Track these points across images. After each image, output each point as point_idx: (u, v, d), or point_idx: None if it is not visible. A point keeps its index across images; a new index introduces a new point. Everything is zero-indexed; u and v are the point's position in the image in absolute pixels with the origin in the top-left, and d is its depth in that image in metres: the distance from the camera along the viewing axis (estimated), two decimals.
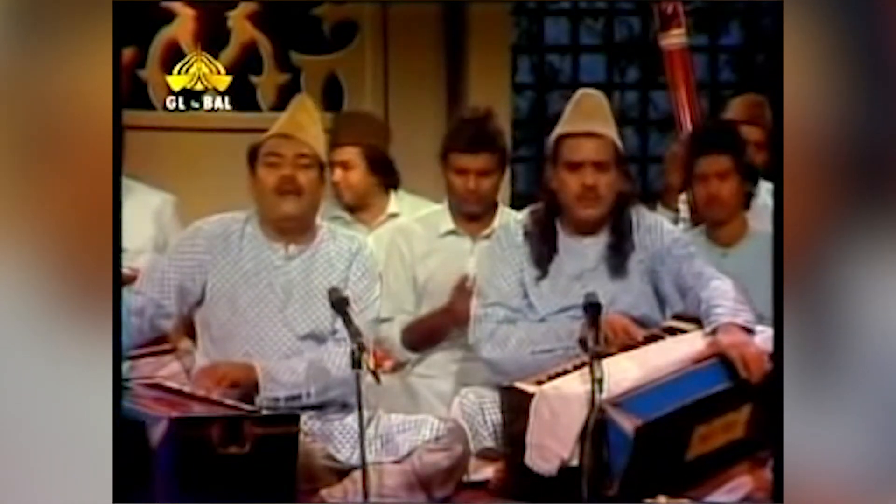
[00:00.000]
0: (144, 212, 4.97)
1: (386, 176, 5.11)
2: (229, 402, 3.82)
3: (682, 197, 5.13)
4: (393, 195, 5.15)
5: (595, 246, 4.27)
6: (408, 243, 4.73)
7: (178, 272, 4.14)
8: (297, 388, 4.02)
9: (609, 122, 4.28)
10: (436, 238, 4.72)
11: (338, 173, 5.04)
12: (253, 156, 4.19)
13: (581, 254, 4.26)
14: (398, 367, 4.70)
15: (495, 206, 4.76)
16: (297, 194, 4.12)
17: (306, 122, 4.22)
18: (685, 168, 4.87)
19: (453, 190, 4.67)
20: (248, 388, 3.97)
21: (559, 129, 4.28)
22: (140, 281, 4.16)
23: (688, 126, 5.41)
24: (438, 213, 4.77)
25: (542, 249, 4.26)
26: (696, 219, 4.98)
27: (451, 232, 4.73)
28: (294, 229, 4.17)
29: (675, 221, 5.01)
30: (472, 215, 4.70)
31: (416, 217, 4.85)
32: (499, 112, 6.23)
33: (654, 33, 5.78)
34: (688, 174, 4.82)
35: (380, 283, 4.32)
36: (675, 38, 5.49)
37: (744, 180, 4.75)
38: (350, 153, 5.03)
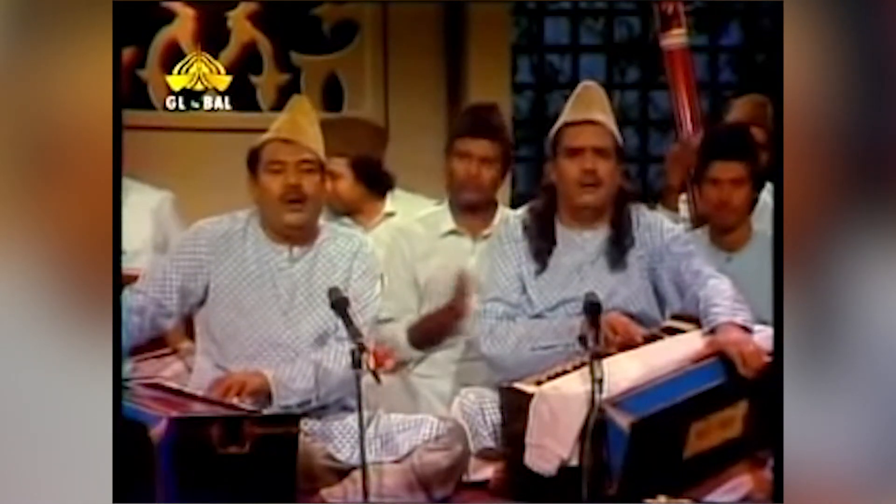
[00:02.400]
0: (142, 211, 4.96)
1: (376, 182, 5.07)
2: (229, 402, 3.82)
3: (683, 197, 5.13)
4: (389, 195, 5.14)
5: (594, 240, 4.28)
6: (409, 244, 4.73)
7: (180, 272, 4.13)
8: (309, 394, 4.02)
9: (608, 113, 4.32)
10: (437, 238, 4.73)
11: (327, 182, 5.02)
12: (253, 160, 4.16)
13: (580, 246, 4.28)
14: (399, 366, 4.69)
15: (495, 205, 4.76)
16: (302, 202, 4.10)
17: (305, 124, 4.20)
18: (694, 170, 4.86)
19: (455, 177, 4.67)
20: (260, 397, 3.97)
21: (560, 121, 4.32)
22: (141, 280, 4.16)
23: (688, 126, 5.41)
24: (439, 213, 4.77)
25: (541, 243, 4.28)
26: (696, 220, 4.98)
27: (452, 232, 4.73)
28: (298, 235, 4.17)
29: (676, 222, 5.01)
30: (472, 205, 4.69)
31: (416, 217, 4.85)
32: None
33: (655, 33, 5.78)
34: (697, 176, 4.81)
35: (380, 283, 4.32)
36: (675, 38, 5.48)
37: (754, 187, 4.75)
38: (337, 163, 4.98)
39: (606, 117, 4.30)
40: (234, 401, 3.85)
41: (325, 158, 4.21)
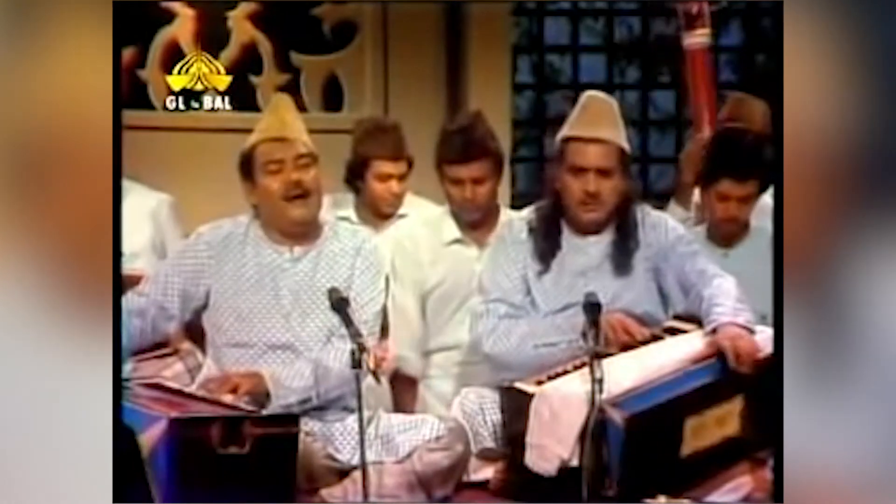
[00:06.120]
0: (141, 213, 4.96)
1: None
2: (229, 402, 3.82)
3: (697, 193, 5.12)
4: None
5: (599, 244, 4.27)
6: (414, 252, 4.71)
7: (181, 276, 4.14)
8: (307, 392, 4.01)
9: (617, 127, 4.25)
10: (441, 246, 4.71)
11: (394, 186, 5.04)
12: (246, 164, 4.16)
13: (585, 251, 4.26)
14: (413, 383, 4.69)
15: (497, 209, 4.74)
16: (305, 197, 4.11)
17: (292, 120, 4.20)
18: (702, 176, 4.83)
19: (451, 199, 4.66)
20: (258, 396, 3.96)
21: (565, 131, 4.26)
22: (144, 283, 4.16)
23: (706, 126, 5.41)
24: (444, 221, 4.73)
25: (546, 245, 4.25)
26: (700, 218, 4.97)
27: (457, 241, 4.71)
28: (303, 233, 4.17)
29: (687, 219, 5.01)
30: (474, 223, 4.69)
31: (421, 222, 4.82)
32: (499, 112, 6.27)
33: (677, 31, 5.78)
34: (705, 184, 4.77)
35: (384, 278, 4.31)
36: (698, 38, 5.50)
37: (760, 194, 4.74)
38: (405, 165, 5.06)
39: (613, 131, 4.23)
40: (229, 399, 3.85)
41: (317, 152, 4.20)
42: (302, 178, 4.10)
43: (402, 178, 5.07)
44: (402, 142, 5.09)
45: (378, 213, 5.12)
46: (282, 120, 4.19)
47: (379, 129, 5.15)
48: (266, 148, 4.14)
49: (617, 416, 3.73)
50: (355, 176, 5.08)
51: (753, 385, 3.88)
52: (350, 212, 5.12)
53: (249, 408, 3.79)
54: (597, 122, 4.22)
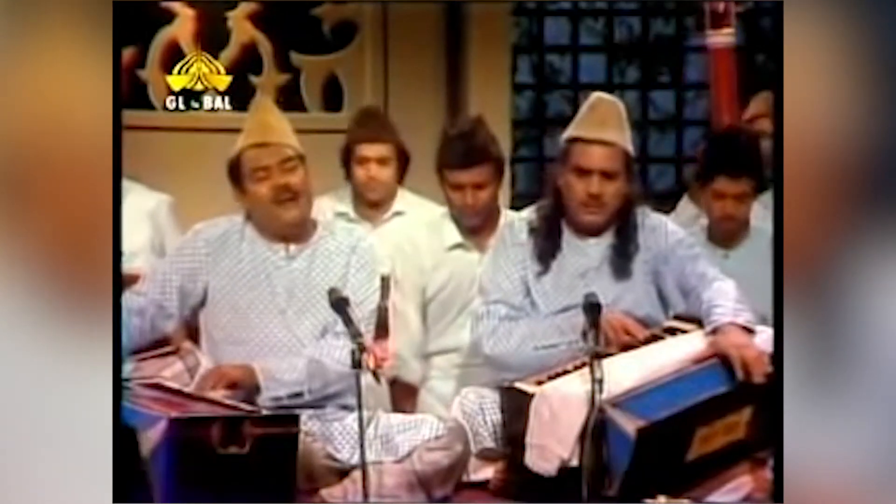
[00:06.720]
0: (140, 213, 4.96)
1: (403, 173, 5.13)
2: (229, 402, 3.82)
3: None
4: (398, 193, 5.16)
5: (599, 246, 4.26)
6: (416, 255, 4.70)
7: (179, 274, 4.15)
8: (299, 386, 4.02)
9: (622, 129, 4.23)
10: (443, 251, 4.70)
11: (372, 169, 5.04)
12: (234, 171, 4.17)
13: (585, 252, 4.26)
14: (412, 389, 4.69)
15: (498, 213, 4.73)
16: (294, 200, 4.12)
17: (274, 121, 4.21)
18: (699, 176, 4.83)
19: (452, 204, 4.66)
20: (249, 388, 3.97)
21: (571, 132, 4.25)
22: (142, 282, 4.17)
23: (725, 125, 5.41)
24: (444, 225, 4.72)
25: (547, 246, 4.25)
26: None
27: (459, 245, 4.71)
28: (296, 233, 4.17)
29: (698, 216, 5.02)
30: (475, 227, 4.68)
31: (421, 225, 4.81)
32: (499, 112, 6.26)
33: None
34: (702, 184, 4.77)
35: (380, 277, 4.30)
36: (723, 38, 5.51)
37: (758, 192, 4.74)
38: (387, 150, 5.04)
39: (619, 134, 4.21)
40: (221, 394, 3.85)
41: (303, 151, 4.19)
42: (290, 182, 4.11)
43: (381, 161, 5.05)
44: (381, 125, 5.08)
45: (368, 203, 5.10)
46: (264, 123, 4.20)
47: (362, 115, 5.19)
48: (252, 154, 4.15)
49: (628, 425, 3.72)
50: (345, 166, 5.09)
51: (763, 394, 3.86)
52: (348, 207, 5.13)
53: (249, 408, 3.79)
54: (603, 124, 4.21)
